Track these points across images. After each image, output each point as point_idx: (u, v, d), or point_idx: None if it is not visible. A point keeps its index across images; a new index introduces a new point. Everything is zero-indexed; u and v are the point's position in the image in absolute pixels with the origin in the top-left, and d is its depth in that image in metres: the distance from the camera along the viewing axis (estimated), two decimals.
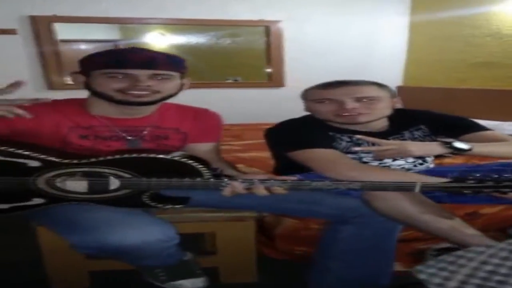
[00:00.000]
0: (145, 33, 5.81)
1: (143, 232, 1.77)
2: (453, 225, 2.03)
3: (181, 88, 2.12)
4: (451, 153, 2.10)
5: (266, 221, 2.57)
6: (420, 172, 2.33)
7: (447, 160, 2.91)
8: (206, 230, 2.31)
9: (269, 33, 5.74)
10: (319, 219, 2.38)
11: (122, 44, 5.85)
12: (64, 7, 5.04)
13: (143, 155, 1.80)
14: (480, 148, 2.10)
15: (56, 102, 2.03)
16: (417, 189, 1.80)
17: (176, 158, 1.79)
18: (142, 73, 1.92)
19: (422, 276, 1.69)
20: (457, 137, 2.25)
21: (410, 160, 2.40)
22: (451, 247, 2.34)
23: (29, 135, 1.90)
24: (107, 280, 2.40)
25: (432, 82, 5.84)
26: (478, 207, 2.64)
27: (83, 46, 6.01)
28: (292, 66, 5.87)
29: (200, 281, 2.16)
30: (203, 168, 1.79)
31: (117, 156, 1.80)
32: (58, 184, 1.79)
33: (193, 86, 5.38)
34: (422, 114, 2.52)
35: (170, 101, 2.15)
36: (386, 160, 2.35)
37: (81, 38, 5.86)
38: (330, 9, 5.81)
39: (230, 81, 6.19)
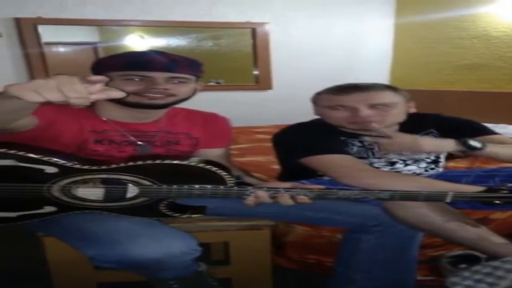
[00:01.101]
0: (124, 36, 5.74)
1: (166, 245, 1.70)
2: (480, 234, 1.97)
3: (194, 92, 2.07)
4: (463, 151, 2.07)
5: (277, 229, 2.47)
6: (431, 177, 2.28)
7: (450, 164, 2.88)
8: (219, 240, 2.24)
9: (255, 35, 5.69)
10: (335, 227, 2.33)
11: (101, 47, 5.82)
12: (48, 10, 4.96)
13: (167, 161, 1.72)
14: (492, 148, 2.07)
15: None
16: (449, 199, 1.74)
17: (200, 165, 1.71)
18: (160, 76, 1.87)
19: None
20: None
21: (423, 165, 2.35)
22: (466, 254, 2.31)
23: (51, 139, 1.83)
24: None
25: (418, 84, 5.81)
26: (489, 213, 2.60)
27: (62, 49, 5.93)
28: (279, 68, 5.84)
29: None
30: (227, 176, 1.71)
31: (140, 163, 1.72)
32: (73, 192, 1.71)
33: None
34: (432, 118, 2.46)
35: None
36: (397, 166, 2.31)
37: (61, 41, 5.77)
38: (316, 11, 5.78)
39: (212, 83, 6.08)
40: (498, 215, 2.63)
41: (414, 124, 2.36)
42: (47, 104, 1.72)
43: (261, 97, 5.88)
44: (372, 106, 2.20)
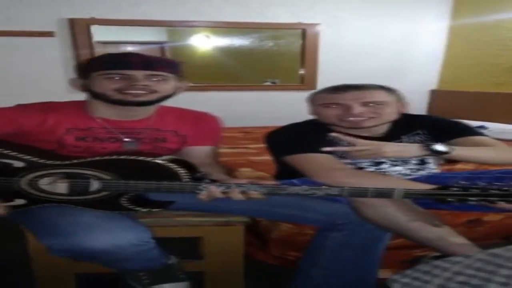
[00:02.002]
0: (191, 35, 5.90)
1: (115, 236, 1.78)
2: (440, 234, 1.98)
3: (177, 90, 2.17)
4: (431, 155, 2.08)
5: (262, 225, 2.56)
6: (421, 178, 2.31)
7: (458, 166, 2.87)
8: (194, 235, 2.28)
9: (305, 36, 5.73)
10: (306, 225, 2.38)
11: (168, 46, 6.03)
12: (103, 10, 5.13)
13: (123, 157, 1.84)
14: (459, 152, 2.06)
15: (56, 104, 2.11)
16: (396, 195, 1.76)
17: (155, 161, 1.81)
18: (138, 73, 1.98)
19: (395, 286, 1.66)
20: (449, 140, 2.21)
21: (410, 166, 2.37)
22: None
23: (27, 136, 1.97)
24: (93, 282, 2.41)
25: (467, 86, 5.76)
26: (481, 214, 2.59)
27: (130, 48, 6.13)
28: (327, 69, 5.84)
29: (183, 286, 2.17)
30: (182, 171, 1.80)
31: (98, 158, 1.83)
32: (40, 185, 1.82)
33: (230, 88, 5.71)
34: (421, 119, 2.50)
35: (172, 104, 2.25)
36: (383, 166, 2.35)
37: (128, 40, 6.03)
38: (370, 12, 5.77)
39: (268, 83, 6.20)
40: (491, 217, 2.60)
41: (403, 124, 2.42)
42: (10, 111, 1.87)
43: (304, 97, 5.82)
44: (365, 104, 2.27)
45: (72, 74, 2.06)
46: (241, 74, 6.17)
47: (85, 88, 2.08)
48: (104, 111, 2.09)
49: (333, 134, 2.15)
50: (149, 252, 1.97)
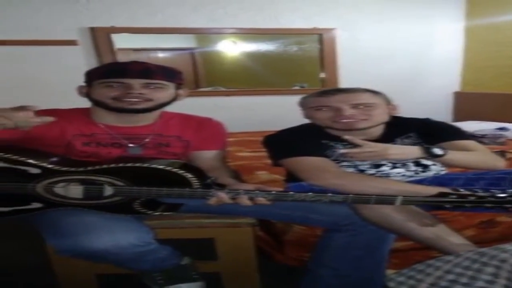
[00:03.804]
0: (219, 41, 6.02)
1: (116, 237, 1.86)
2: (437, 233, 2.03)
3: (175, 98, 2.27)
4: (428, 157, 2.16)
5: (277, 227, 2.62)
6: (426, 179, 2.36)
7: None
8: (205, 236, 2.34)
9: (322, 41, 5.80)
10: (311, 226, 2.47)
11: (197, 52, 6.27)
12: (122, 19, 5.24)
13: (137, 164, 1.91)
14: (451, 155, 2.16)
15: (61, 111, 2.20)
16: (398, 202, 1.81)
17: (167, 168, 1.87)
18: (135, 82, 2.08)
19: (391, 284, 1.72)
20: (440, 143, 2.29)
21: (412, 168, 2.42)
22: None
23: (36, 141, 2.06)
24: (114, 283, 2.47)
25: (488, 88, 5.75)
26: (494, 215, 2.62)
27: (161, 54, 6.29)
28: (348, 72, 5.88)
29: (197, 286, 2.25)
30: (193, 178, 1.86)
31: (112, 165, 1.90)
32: (56, 190, 1.90)
33: (259, 93, 5.95)
34: (413, 121, 2.57)
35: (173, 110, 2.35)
36: (383, 168, 2.39)
37: (159, 47, 6.16)
38: (384, 15, 5.83)
39: (297, 87, 6.24)
40: (505, 218, 2.63)
41: (396, 127, 2.50)
42: None
43: None
44: (355, 106, 2.35)
45: None
46: (269, 79, 6.29)
47: (87, 96, 2.19)
48: (106, 118, 2.20)
49: (346, 137, 2.18)
50: (156, 253, 2.08)
